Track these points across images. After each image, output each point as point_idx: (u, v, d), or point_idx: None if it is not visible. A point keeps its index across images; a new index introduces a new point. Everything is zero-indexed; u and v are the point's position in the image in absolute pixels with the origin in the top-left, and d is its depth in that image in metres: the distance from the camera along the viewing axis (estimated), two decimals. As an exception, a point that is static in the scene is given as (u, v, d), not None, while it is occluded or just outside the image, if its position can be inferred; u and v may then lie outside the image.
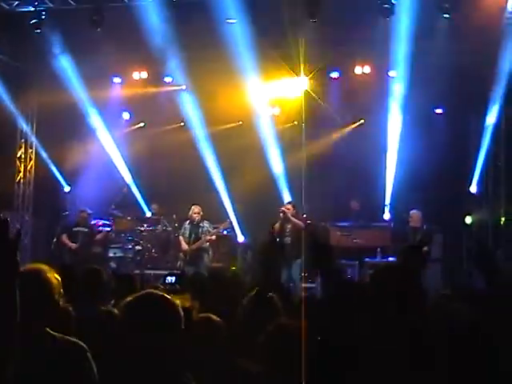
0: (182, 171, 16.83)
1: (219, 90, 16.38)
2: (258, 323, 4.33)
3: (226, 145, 17.30)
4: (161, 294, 3.25)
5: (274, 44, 14.82)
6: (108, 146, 17.40)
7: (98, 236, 15.50)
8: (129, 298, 3.22)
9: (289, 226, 14.33)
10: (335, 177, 16.17)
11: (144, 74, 16.12)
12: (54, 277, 3.80)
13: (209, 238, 14.78)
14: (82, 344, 3.76)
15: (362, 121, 17.02)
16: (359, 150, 16.05)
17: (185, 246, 14.62)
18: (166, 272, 13.31)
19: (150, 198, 17.39)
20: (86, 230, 15.24)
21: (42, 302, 3.71)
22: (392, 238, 15.00)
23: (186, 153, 17.16)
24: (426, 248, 13.62)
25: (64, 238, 15.03)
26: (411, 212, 14.65)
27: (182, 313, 3.17)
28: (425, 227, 14.29)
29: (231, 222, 15.75)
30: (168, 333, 3.08)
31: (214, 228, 15.08)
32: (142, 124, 18.33)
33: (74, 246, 14.85)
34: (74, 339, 3.79)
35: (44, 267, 3.82)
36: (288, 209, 14.36)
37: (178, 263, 14.85)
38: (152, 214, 17.01)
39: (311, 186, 16.50)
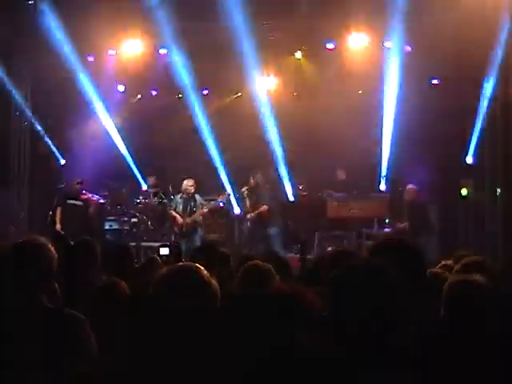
0: (179, 144, 16.88)
1: (217, 64, 16.37)
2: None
3: (223, 117, 17.36)
4: (195, 266, 3.17)
5: (270, 16, 14.81)
6: (103, 119, 17.30)
7: (93, 208, 15.46)
8: (162, 271, 3.13)
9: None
10: (329, 149, 16.16)
11: (139, 46, 15.89)
12: (53, 250, 3.79)
13: (206, 209, 14.81)
14: (79, 314, 3.75)
15: (360, 91, 16.89)
16: (355, 121, 16.04)
17: (180, 219, 14.60)
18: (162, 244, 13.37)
19: (147, 171, 17.34)
20: (81, 202, 15.21)
21: (45, 275, 3.70)
22: (389, 209, 15.09)
23: (183, 126, 17.16)
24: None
25: (58, 212, 15.00)
26: (407, 187, 14.73)
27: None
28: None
29: (229, 194, 15.67)
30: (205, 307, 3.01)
31: (211, 201, 15.10)
32: (139, 96, 18.29)
33: (58, 227, 14.82)
34: (72, 311, 3.78)
35: (43, 240, 3.81)
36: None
37: (172, 236, 14.85)
38: (148, 186, 16.97)
39: (307, 158, 16.68)
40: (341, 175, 16.41)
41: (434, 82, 16.50)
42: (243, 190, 15.20)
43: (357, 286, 2.81)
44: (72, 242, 7.64)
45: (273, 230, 14.69)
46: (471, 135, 15.33)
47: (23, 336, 3.52)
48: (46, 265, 3.70)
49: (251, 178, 14.93)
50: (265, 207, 14.69)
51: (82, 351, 3.61)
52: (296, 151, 16.76)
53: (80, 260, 6.71)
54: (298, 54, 16.49)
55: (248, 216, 14.94)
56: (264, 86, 17.32)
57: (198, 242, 13.91)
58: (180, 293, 2.96)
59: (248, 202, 15.11)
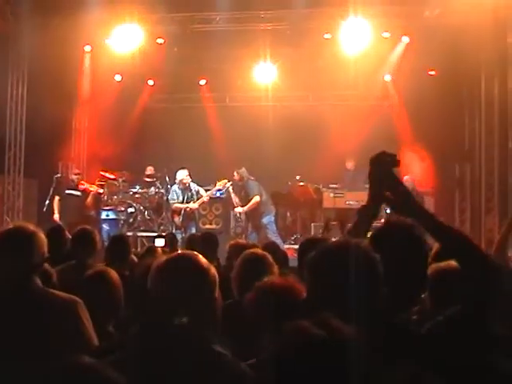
0: (178, 134, 16.94)
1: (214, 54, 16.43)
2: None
3: (224, 109, 17.48)
4: (194, 254, 3.15)
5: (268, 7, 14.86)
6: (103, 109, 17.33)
7: (90, 198, 15.46)
8: (160, 260, 3.14)
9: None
10: (329, 139, 16.16)
11: (137, 35, 15.82)
12: (43, 236, 3.79)
13: (207, 197, 14.82)
14: (75, 297, 3.76)
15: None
16: (352, 111, 16.11)
17: (179, 207, 14.58)
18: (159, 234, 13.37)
19: (145, 160, 17.34)
20: (78, 192, 15.23)
21: (36, 261, 3.71)
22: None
23: (182, 116, 17.27)
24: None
25: (55, 201, 15.03)
26: (403, 178, 14.76)
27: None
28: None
29: (228, 181, 15.47)
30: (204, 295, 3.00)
31: (207, 190, 15.08)
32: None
33: (55, 217, 14.84)
34: (68, 294, 3.79)
35: (32, 227, 3.81)
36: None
37: (172, 227, 14.84)
38: (147, 176, 16.94)
39: (304, 149, 16.69)
40: (350, 166, 16.40)
41: (432, 73, 16.49)
42: (227, 185, 15.18)
43: (331, 267, 2.81)
44: (68, 232, 7.61)
45: (266, 219, 14.70)
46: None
47: (19, 320, 3.54)
48: (36, 251, 3.71)
49: (235, 173, 14.86)
50: (256, 198, 14.61)
51: (79, 333, 3.63)
52: (293, 141, 16.76)
53: (79, 249, 6.72)
54: (296, 44, 16.45)
55: (241, 210, 14.89)
56: (262, 74, 17.35)
57: (195, 232, 13.88)
58: (179, 280, 2.96)
59: (236, 197, 15.14)
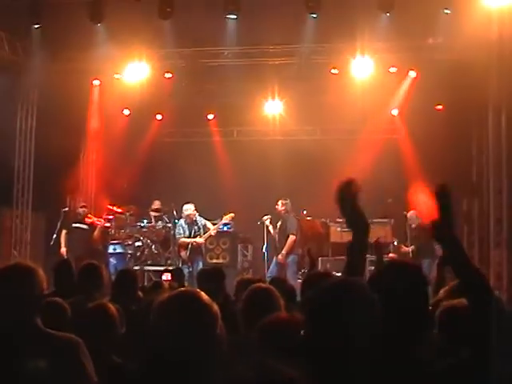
0: (185, 168, 17.01)
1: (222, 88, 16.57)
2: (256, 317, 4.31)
3: (232, 143, 17.59)
4: (196, 291, 3.15)
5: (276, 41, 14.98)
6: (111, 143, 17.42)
7: (97, 232, 15.46)
8: (162, 297, 3.13)
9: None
10: (335, 173, 16.13)
11: (145, 70, 15.89)
12: (42, 273, 3.77)
13: (215, 230, 14.74)
14: (77, 338, 3.73)
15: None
16: (360, 146, 16.15)
17: (186, 241, 14.50)
18: (166, 268, 13.35)
19: (153, 195, 17.35)
20: (86, 226, 15.25)
21: (34, 299, 3.69)
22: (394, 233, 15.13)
23: (190, 150, 17.38)
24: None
25: (63, 235, 15.06)
26: (408, 214, 14.81)
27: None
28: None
29: (233, 216, 15.33)
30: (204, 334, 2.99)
31: (214, 224, 15.03)
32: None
33: (63, 251, 14.88)
34: (68, 334, 3.77)
35: (31, 264, 3.80)
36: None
37: (179, 261, 14.76)
38: (154, 210, 16.93)
39: (310, 183, 16.70)
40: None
41: (439, 107, 16.54)
42: (265, 218, 14.92)
43: (325, 308, 2.79)
44: (75, 266, 7.62)
45: (291, 258, 14.31)
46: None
47: (18, 360, 3.51)
48: (35, 288, 3.66)
49: (279, 203, 14.60)
50: (292, 238, 14.32)
51: (81, 375, 3.60)
52: (301, 176, 16.79)
53: (86, 283, 6.72)
54: (304, 78, 16.52)
55: (280, 257, 14.22)
56: (269, 108, 17.44)
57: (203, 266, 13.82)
58: (180, 317, 2.96)
59: (272, 230, 14.82)
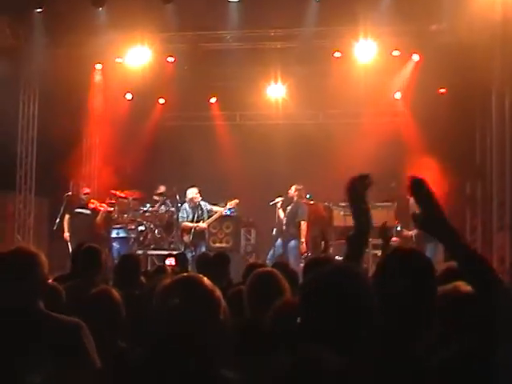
0: (188, 152, 17.00)
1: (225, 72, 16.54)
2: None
3: (234, 127, 17.57)
4: (198, 276, 3.13)
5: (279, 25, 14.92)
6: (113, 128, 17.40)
7: (100, 217, 15.47)
8: (165, 282, 3.13)
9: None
10: (338, 157, 16.14)
11: (147, 54, 15.85)
12: (44, 258, 3.79)
13: (217, 216, 14.75)
14: (80, 321, 3.74)
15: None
16: (362, 130, 16.12)
17: (189, 225, 14.50)
18: (169, 253, 13.37)
19: (156, 179, 17.35)
20: (89, 211, 15.27)
21: (38, 283, 3.70)
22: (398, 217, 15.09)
23: (193, 134, 17.37)
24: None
25: (66, 220, 15.09)
26: (411, 199, 14.74)
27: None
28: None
29: (238, 202, 15.33)
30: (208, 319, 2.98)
31: (214, 205, 15.03)
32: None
33: (66, 236, 14.94)
34: (71, 317, 3.78)
35: (33, 249, 3.81)
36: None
37: (182, 245, 14.77)
38: (157, 194, 16.92)
39: (313, 167, 16.69)
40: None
41: (442, 90, 16.49)
42: (277, 200, 14.82)
43: (322, 297, 2.79)
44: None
45: (293, 243, 14.38)
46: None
47: (21, 343, 3.52)
48: (38, 273, 3.70)
49: (292, 188, 14.61)
50: (305, 224, 14.32)
51: (84, 357, 3.62)
52: (304, 160, 16.79)
53: (85, 267, 6.72)
54: (306, 62, 16.47)
55: (304, 245, 14.18)
56: (272, 92, 17.42)
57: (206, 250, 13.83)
58: (183, 303, 2.95)
59: (282, 215, 14.76)
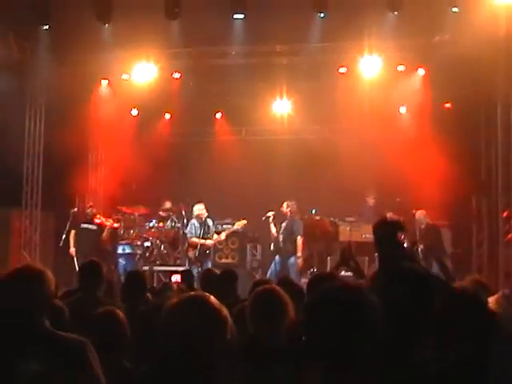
0: (194, 167, 17.05)
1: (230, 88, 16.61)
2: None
3: (240, 142, 17.62)
4: (205, 295, 3.16)
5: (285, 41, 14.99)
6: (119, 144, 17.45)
7: (106, 232, 15.49)
8: (172, 301, 3.14)
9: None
10: (344, 172, 16.14)
11: (153, 70, 15.90)
12: (51, 276, 3.79)
13: (224, 235, 14.78)
14: (85, 339, 3.75)
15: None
16: (367, 146, 16.14)
17: (196, 241, 14.48)
18: (175, 269, 13.37)
19: (161, 195, 17.37)
20: (94, 226, 15.30)
21: (43, 301, 3.71)
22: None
23: (199, 149, 17.42)
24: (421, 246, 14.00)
25: (72, 235, 15.11)
26: (416, 215, 14.79)
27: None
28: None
29: (246, 224, 15.22)
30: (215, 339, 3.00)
31: (224, 225, 15.06)
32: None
33: (72, 251, 14.96)
34: (76, 336, 3.79)
35: (40, 267, 3.82)
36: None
37: (187, 261, 14.76)
38: (163, 210, 16.93)
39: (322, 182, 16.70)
40: (371, 201, 16.34)
41: (447, 105, 16.50)
42: (269, 214, 14.89)
43: (326, 315, 2.80)
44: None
45: (293, 259, 14.39)
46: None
47: (28, 361, 3.52)
48: (44, 291, 3.71)
49: (284, 204, 14.68)
50: (301, 239, 14.41)
51: (89, 375, 3.62)
52: (309, 175, 16.82)
53: (87, 281, 6.72)
54: (312, 77, 16.51)
55: (300, 255, 14.34)
56: (277, 107, 17.47)
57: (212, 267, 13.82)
58: (191, 322, 2.96)
59: (274, 230, 14.84)
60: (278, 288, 4.97)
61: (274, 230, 14.82)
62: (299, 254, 14.32)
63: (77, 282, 7.34)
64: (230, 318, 3.05)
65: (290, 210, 14.58)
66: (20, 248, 16.20)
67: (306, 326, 2.88)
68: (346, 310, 2.75)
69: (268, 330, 4.47)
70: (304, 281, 13.17)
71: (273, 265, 14.58)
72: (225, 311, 3.04)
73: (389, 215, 15.31)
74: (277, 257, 14.57)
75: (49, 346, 3.59)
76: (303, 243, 14.43)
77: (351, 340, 2.72)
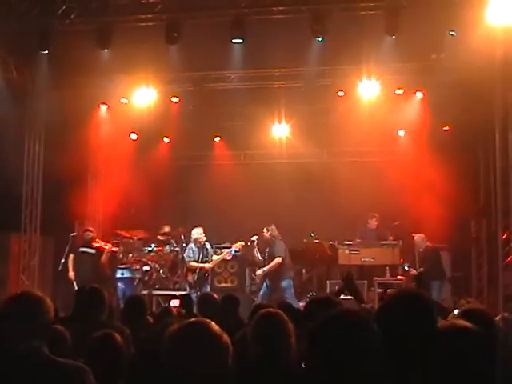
0: (193, 191, 17.06)
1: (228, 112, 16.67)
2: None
3: (239, 166, 17.65)
4: (206, 322, 3.15)
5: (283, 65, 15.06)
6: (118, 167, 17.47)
7: (105, 256, 15.46)
8: (172, 328, 3.13)
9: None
10: (343, 196, 16.16)
11: (152, 95, 15.96)
12: (49, 302, 3.79)
13: (222, 257, 14.79)
14: (84, 366, 3.74)
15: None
16: (366, 169, 16.18)
17: (194, 265, 14.47)
18: (174, 293, 13.33)
19: (160, 219, 17.38)
20: (93, 250, 15.27)
21: (43, 327, 3.70)
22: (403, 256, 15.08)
23: (198, 173, 17.45)
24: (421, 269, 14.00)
25: (70, 259, 15.08)
26: (415, 238, 14.77)
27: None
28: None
29: (243, 245, 15.34)
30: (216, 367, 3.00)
31: (222, 249, 15.05)
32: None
33: (71, 275, 14.91)
34: (76, 362, 3.78)
35: (38, 293, 3.81)
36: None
37: (187, 286, 14.72)
38: (162, 234, 16.93)
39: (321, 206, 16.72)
40: (372, 224, 16.32)
41: (445, 128, 16.55)
42: (253, 238, 14.95)
43: (329, 342, 2.80)
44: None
45: (285, 282, 14.33)
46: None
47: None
48: (43, 318, 3.69)
49: (264, 230, 14.69)
50: (278, 260, 14.31)
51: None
52: (308, 198, 16.85)
53: (88, 307, 6.70)
54: (310, 101, 16.55)
55: (261, 272, 14.50)
56: (276, 131, 17.52)
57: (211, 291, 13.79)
58: (192, 349, 2.96)
59: (258, 253, 14.90)
60: (281, 312, 4.98)
61: (257, 253, 14.85)
62: (266, 268, 14.33)
63: (74, 309, 7.31)
64: (230, 344, 3.05)
65: (270, 234, 14.59)
66: (19, 272, 16.17)
67: (309, 353, 2.88)
68: (350, 338, 2.76)
69: (269, 353, 4.46)
70: (302, 304, 13.15)
71: (264, 286, 14.57)
72: (225, 337, 3.03)
73: (390, 238, 15.41)
74: (266, 280, 14.56)
75: (47, 374, 3.58)
76: (281, 264, 14.34)
77: (355, 367, 2.72)
